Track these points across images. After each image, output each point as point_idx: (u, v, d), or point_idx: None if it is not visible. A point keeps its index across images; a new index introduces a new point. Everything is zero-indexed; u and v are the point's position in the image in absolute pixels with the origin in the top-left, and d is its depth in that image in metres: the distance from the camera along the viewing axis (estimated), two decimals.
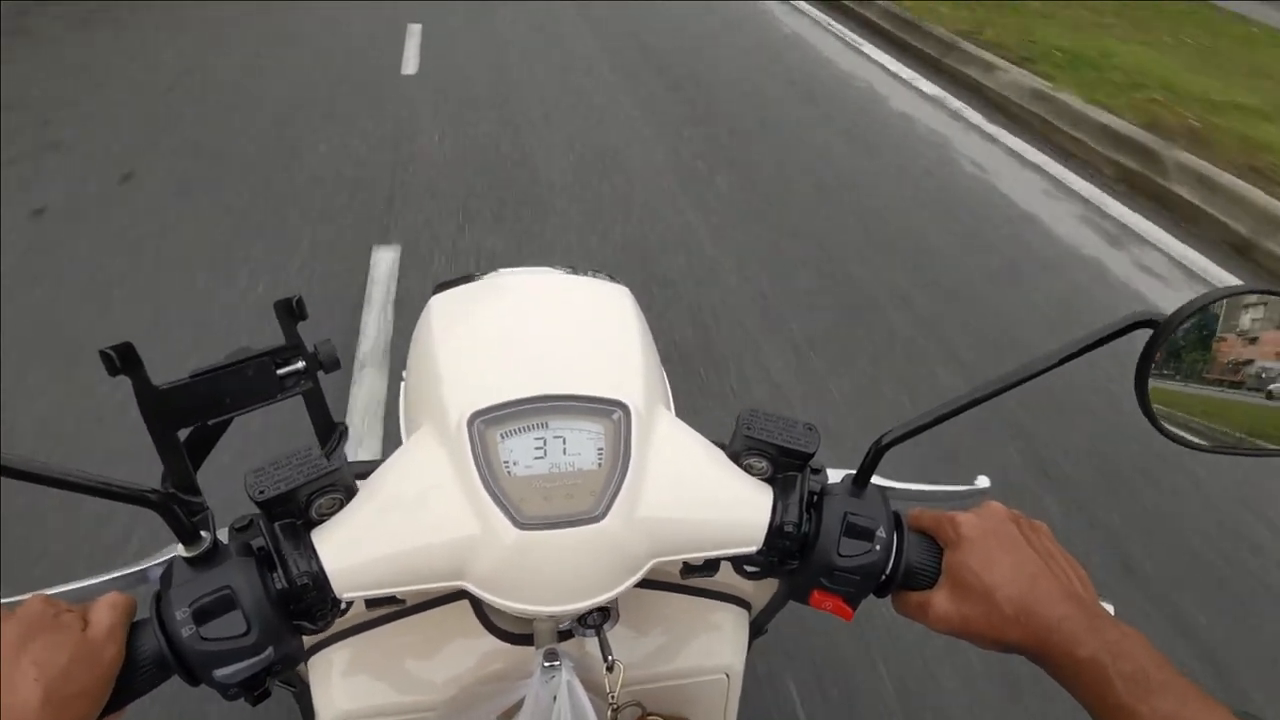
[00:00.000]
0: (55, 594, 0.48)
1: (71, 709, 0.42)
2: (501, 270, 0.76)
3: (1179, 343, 0.50)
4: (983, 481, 0.68)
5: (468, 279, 0.72)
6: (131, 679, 0.46)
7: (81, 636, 0.44)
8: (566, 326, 0.64)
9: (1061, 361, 0.52)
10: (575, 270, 0.75)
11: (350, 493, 0.51)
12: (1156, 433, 0.53)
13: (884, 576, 0.56)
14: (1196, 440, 0.53)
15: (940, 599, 0.55)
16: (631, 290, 0.72)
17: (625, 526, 0.50)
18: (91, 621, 0.45)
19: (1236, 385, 0.52)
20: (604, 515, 0.49)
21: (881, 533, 0.54)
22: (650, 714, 0.64)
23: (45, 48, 5.07)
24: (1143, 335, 0.50)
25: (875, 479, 0.57)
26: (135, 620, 0.47)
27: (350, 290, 2.80)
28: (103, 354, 0.56)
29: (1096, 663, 0.48)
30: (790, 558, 0.56)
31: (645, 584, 0.67)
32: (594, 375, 0.55)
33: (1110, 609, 0.54)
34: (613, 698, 0.59)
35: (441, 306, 0.67)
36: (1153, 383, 0.51)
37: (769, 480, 0.55)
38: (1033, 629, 0.51)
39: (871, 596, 0.57)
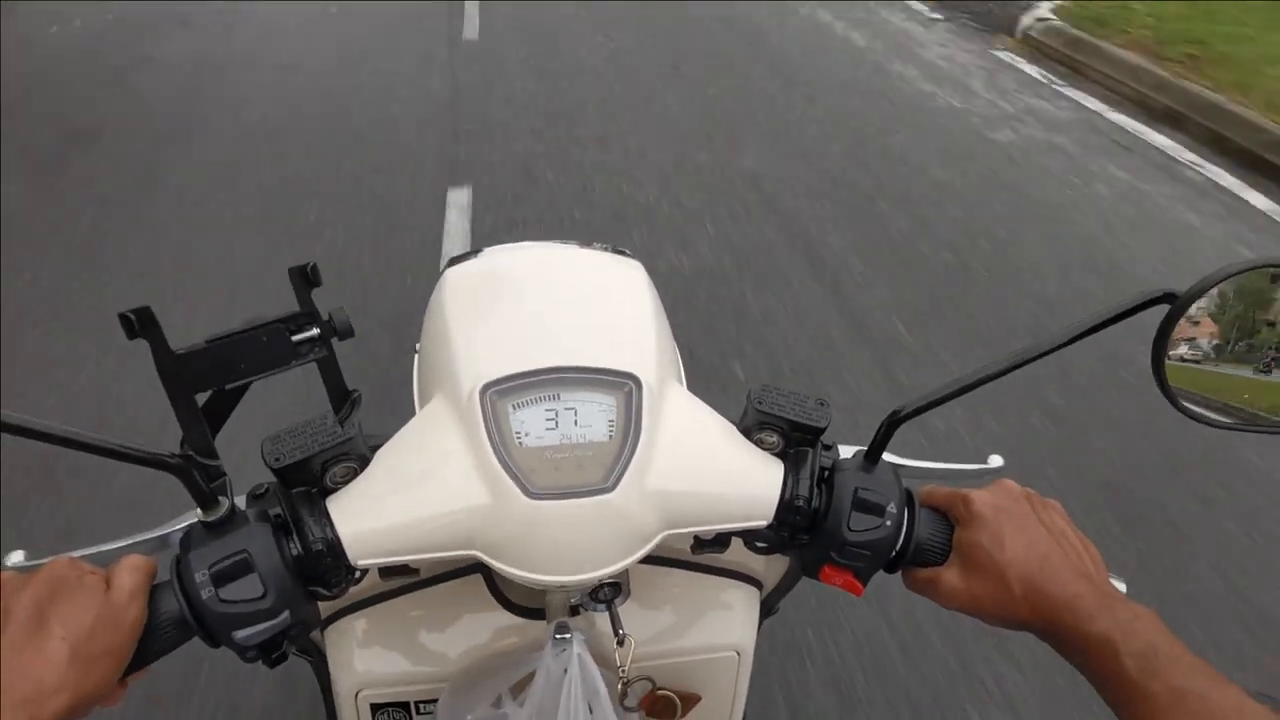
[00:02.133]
0: (78, 557, 0.49)
1: (96, 667, 0.44)
2: (515, 244, 0.76)
3: (1197, 318, 0.50)
4: (995, 460, 0.67)
5: (481, 253, 0.73)
6: (153, 639, 0.47)
7: (105, 597, 0.45)
8: (579, 299, 0.64)
9: (1077, 337, 0.52)
10: (589, 245, 0.75)
11: (364, 461, 0.51)
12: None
13: (894, 552, 0.55)
14: (1217, 418, 0.53)
15: (950, 576, 0.54)
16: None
17: (635, 498, 0.50)
18: (114, 583, 0.46)
19: (1257, 361, 0.51)
20: (614, 487, 0.49)
21: (892, 508, 0.54)
22: (661, 689, 0.65)
23: None
24: (1160, 311, 0.49)
25: (886, 455, 0.57)
26: (156, 583, 0.48)
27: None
28: (121, 317, 0.57)
29: (1107, 640, 0.47)
30: (801, 533, 0.56)
31: (656, 560, 0.67)
32: (606, 348, 0.55)
33: (1123, 587, 0.53)
34: (623, 671, 0.59)
35: (455, 279, 0.68)
36: (1170, 359, 0.50)
37: (780, 455, 0.56)
38: (1043, 607, 0.51)
39: (882, 573, 0.57)
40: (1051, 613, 0.50)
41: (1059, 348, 0.52)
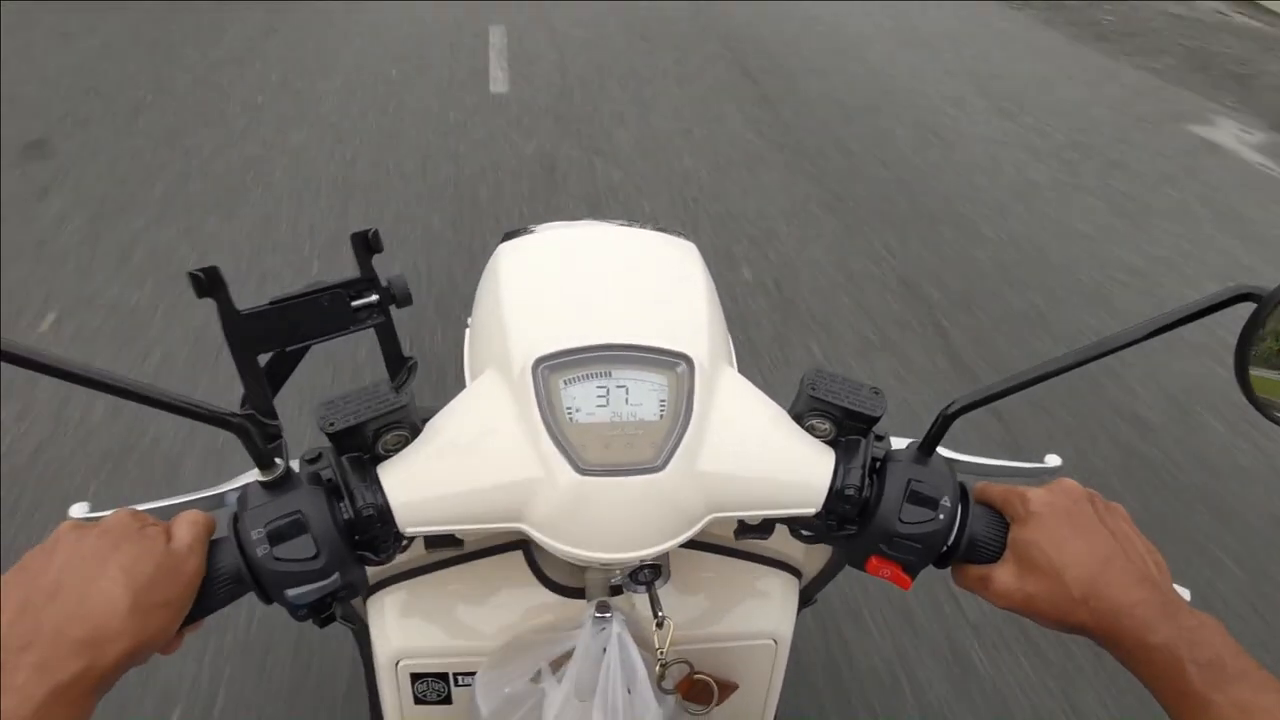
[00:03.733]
0: (140, 510, 0.50)
1: (156, 616, 0.45)
2: (568, 222, 0.76)
3: None
4: (1053, 460, 0.65)
5: (535, 230, 0.73)
6: (210, 592, 0.48)
7: (166, 549, 0.46)
8: (633, 278, 0.64)
9: (1152, 334, 0.50)
10: (643, 224, 0.74)
11: (416, 430, 0.52)
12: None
13: (946, 547, 0.54)
14: None
15: (1004, 574, 0.53)
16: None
17: (684, 479, 0.50)
18: (174, 536, 0.47)
19: None
20: (664, 466, 0.49)
21: (946, 501, 0.53)
22: (698, 673, 0.64)
23: None
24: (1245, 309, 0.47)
25: (940, 450, 0.56)
26: (213, 538, 0.50)
27: None
28: (191, 275, 0.58)
29: (1170, 650, 0.46)
30: (848, 522, 0.55)
31: (697, 545, 0.67)
32: (659, 327, 0.54)
33: (1187, 595, 0.51)
34: (661, 653, 0.59)
35: (509, 255, 0.68)
36: (1255, 363, 0.48)
37: (831, 443, 0.55)
38: (1102, 612, 0.49)
39: (930, 568, 0.56)
40: (1112, 618, 0.48)
41: (1131, 344, 0.50)
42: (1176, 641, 0.46)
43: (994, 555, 0.54)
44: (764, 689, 0.72)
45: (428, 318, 2.46)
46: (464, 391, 0.55)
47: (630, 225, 0.75)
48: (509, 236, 0.72)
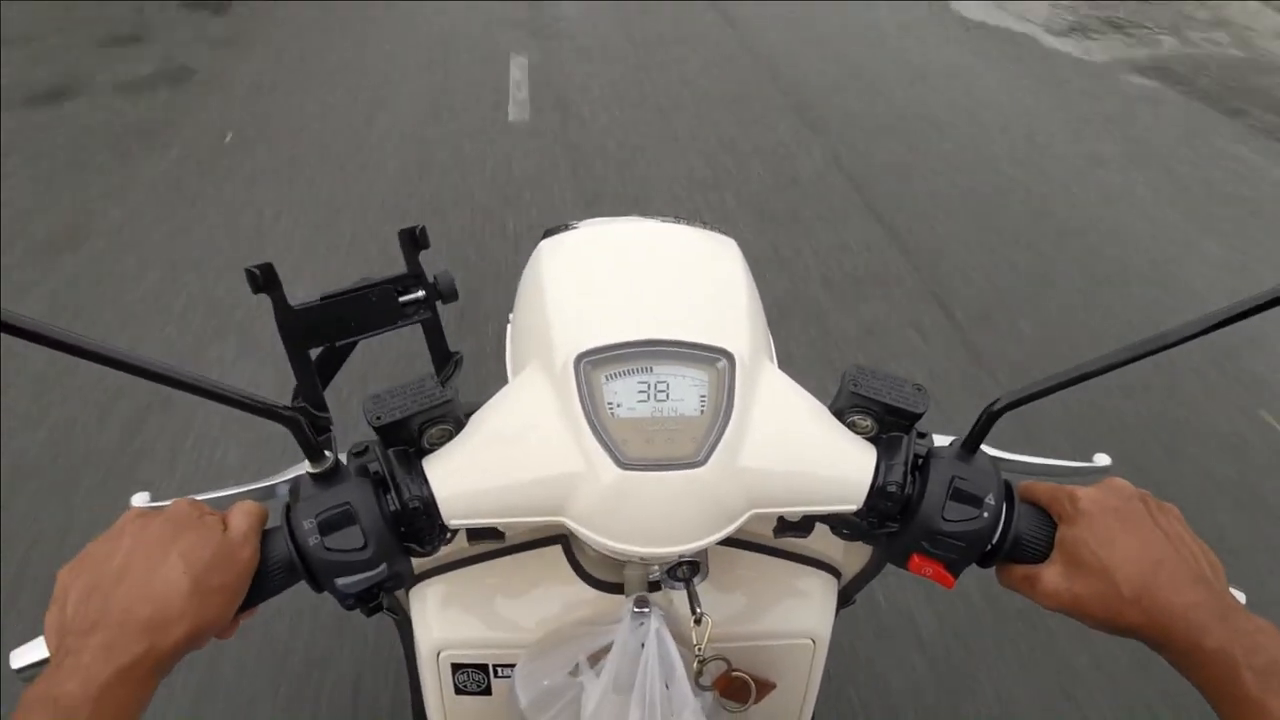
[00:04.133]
0: (197, 500, 0.52)
1: (214, 600, 0.46)
2: (610, 218, 0.77)
3: None
4: (1102, 459, 0.64)
5: (576, 226, 0.73)
6: (264, 580, 0.50)
7: (223, 537, 0.48)
8: (674, 274, 0.64)
9: (1199, 334, 0.48)
10: (685, 220, 0.74)
11: (460, 425, 0.53)
12: None
13: (990, 546, 0.53)
14: None
15: (1051, 574, 0.52)
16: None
17: (725, 475, 0.50)
18: (230, 525, 0.49)
19: None
20: (705, 461, 0.49)
21: (990, 500, 0.52)
22: (736, 670, 0.64)
23: None
24: None
25: (984, 448, 0.55)
26: (267, 528, 0.51)
27: None
28: (248, 271, 0.60)
29: (1226, 654, 0.45)
30: (890, 520, 0.54)
31: (736, 543, 0.67)
32: (700, 323, 0.55)
33: (1242, 598, 0.50)
34: (699, 650, 0.59)
35: (550, 250, 0.69)
36: None
37: (873, 440, 0.54)
38: (1155, 614, 0.48)
39: (974, 567, 0.55)
40: (1165, 620, 0.47)
41: (1177, 343, 0.49)
42: (1232, 645, 0.45)
43: (1041, 555, 0.53)
44: (802, 689, 0.72)
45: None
46: (507, 386, 0.56)
47: (671, 221, 0.75)
48: (550, 233, 0.73)
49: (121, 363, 0.41)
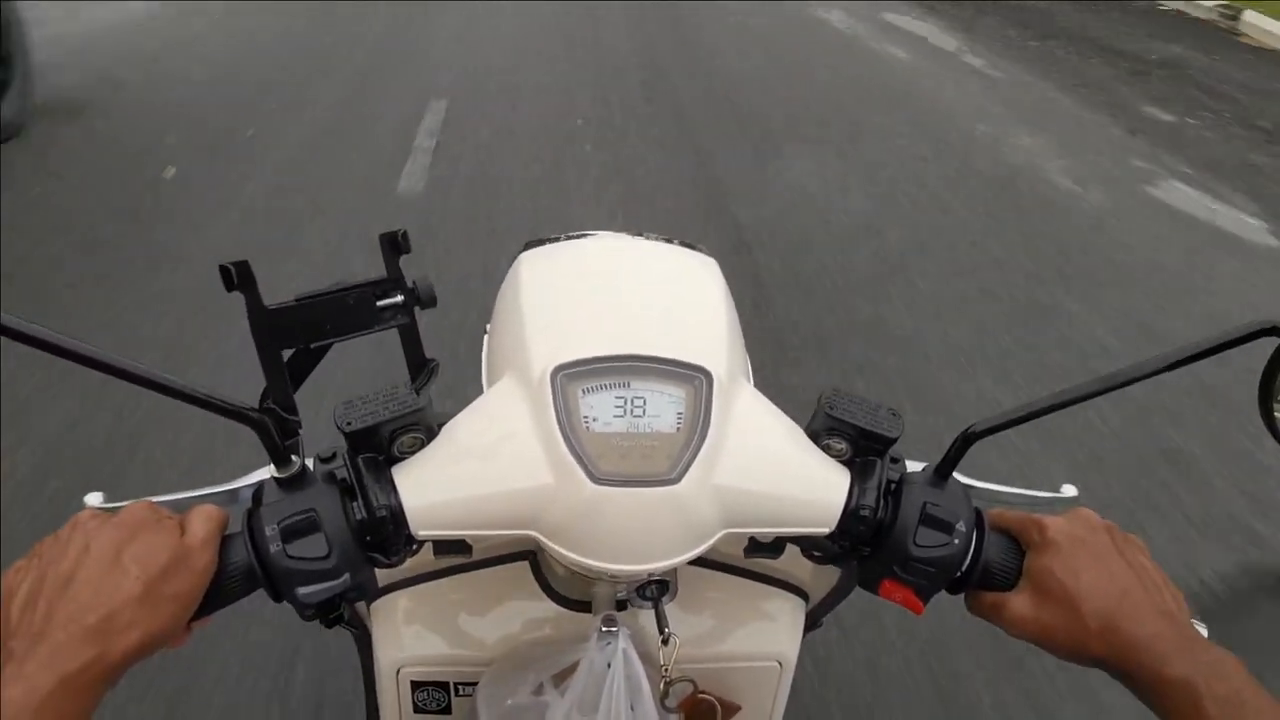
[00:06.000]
0: (155, 502, 0.50)
1: (166, 608, 0.44)
2: (591, 232, 0.77)
3: None
4: (1069, 490, 0.65)
5: (557, 239, 0.73)
6: (221, 587, 0.48)
7: (179, 541, 0.46)
8: (654, 290, 0.64)
9: (1172, 366, 0.50)
10: (666, 239, 0.75)
11: (432, 433, 0.52)
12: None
13: (960, 572, 0.54)
14: None
15: (1018, 602, 0.52)
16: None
17: (699, 492, 0.49)
18: (188, 529, 0.47)
19: None
20: (679, 479, 0.49)
21: (961, 526, 0.52)
22: (702, 692, 0.64)
23: None
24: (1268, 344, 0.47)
25: (955, 475, 0.55)
26: (226, 534, 0.49)
27: None
28: (222, 269, 0.58)
29: (1188, 684, 0.45)
30: (862, 544, 0.54)
31: (705, 563, 0.66)
32: (679, 340, 0.54)
33: (1204, 630, 0.51)
34: (666, 671, 0.59)
35: (530, 262, 0.68)
36: (1279, 397, 0.48)
37: (847, 463, 0.54)
38: (1119, 645, 0.48)
39: (944, 593, 0.55)
40: (1128, 651, 0.48)
41: (1151, 375, 0.50)
42: (1194, 676, 0.45)
43: (1009, 582, 0.54)
44: (767, 712, 0.71)
45: None
46: (481, 396, 0.55)
47: (652, 238, 0.75)
48: (530, 246, 0.72)
49: (85, 358, 0.40)
